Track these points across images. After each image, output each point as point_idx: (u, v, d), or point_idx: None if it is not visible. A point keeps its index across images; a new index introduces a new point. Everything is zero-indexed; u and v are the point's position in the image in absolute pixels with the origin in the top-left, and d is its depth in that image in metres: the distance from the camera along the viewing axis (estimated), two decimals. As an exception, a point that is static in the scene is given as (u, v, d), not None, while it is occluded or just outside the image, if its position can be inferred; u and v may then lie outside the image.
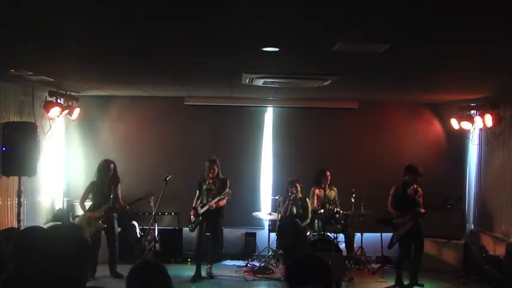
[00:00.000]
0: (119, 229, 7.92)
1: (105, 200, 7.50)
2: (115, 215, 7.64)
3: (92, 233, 7.34)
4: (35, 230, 1.98)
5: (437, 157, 9.17)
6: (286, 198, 8.13)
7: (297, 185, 8.15)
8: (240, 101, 9.11)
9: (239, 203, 8.93)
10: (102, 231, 7.55)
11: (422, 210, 7.33)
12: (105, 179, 7.57)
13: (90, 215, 7.44)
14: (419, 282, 7.38)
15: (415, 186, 7.42)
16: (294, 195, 8.05)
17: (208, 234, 7.75)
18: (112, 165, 7.66)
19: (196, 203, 7.74)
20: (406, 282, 7.41)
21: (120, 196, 7.66)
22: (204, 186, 7.69)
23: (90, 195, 7.67)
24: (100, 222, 7.41)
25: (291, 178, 8.29)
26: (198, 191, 7.79)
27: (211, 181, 7.65)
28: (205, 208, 7.54)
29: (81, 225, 7.41)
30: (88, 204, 7.72)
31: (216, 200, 7.50)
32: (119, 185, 7.68)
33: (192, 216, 7.70)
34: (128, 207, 7.64)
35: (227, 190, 7.57)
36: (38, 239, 1.87)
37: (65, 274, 1.81)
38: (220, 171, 7.69)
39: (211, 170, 7.60)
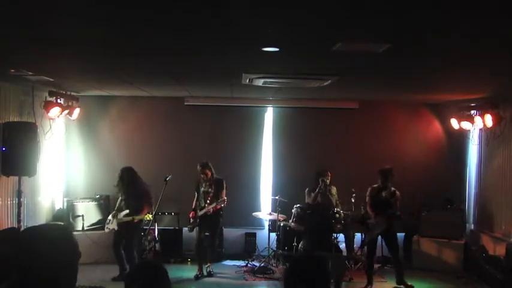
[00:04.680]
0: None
1: (125, 204, 7.49)
2: (139, 219, 7.46)
3: (109, 230, 7.49)
4: (35, 230, 1.97)
5: (438, 157, 9.18)
6: (317, 188, 7.94)
7: (328, 174, 8.06)
8: (240, 101, 9.12)
9: (239, 203, 8.93)
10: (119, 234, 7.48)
11: (398, 213, 7.23)
12: (121, 185, 7.51)
13: (113, 214, 7.52)
14: (408, 283, 7.25)
15: (392, 189, 7.35)
16: (324, 183, 7.92)
17: (207, 234, 7.77)
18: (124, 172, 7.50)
19: (196, 205, 7.81)
20: (409, 283, 7.38)
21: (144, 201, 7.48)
22: (201, 189, 7.75)
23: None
24: (116, 225, 7.43)
25: (321, 168, 8.15)
26: (196, 193, 7.85)
27: (207, 183, 7.69)
28: (204, 211, 7.61)
29: (109, 219, 7.58)
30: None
31: (212, 205, 7.54)
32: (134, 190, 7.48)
33: (191, 218, 7.78)
34: (135, 220, 7.45)
35: (223, 198, 7.56)
36: (38, 240, 1.85)
37: (55, 276, 1.80)
38: (214, 172, 7.69)
39: (204, 174, 7.63)
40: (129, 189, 7.48)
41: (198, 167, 7.64)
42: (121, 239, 7.43)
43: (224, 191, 7.67)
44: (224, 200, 7.57)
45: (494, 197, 8.24)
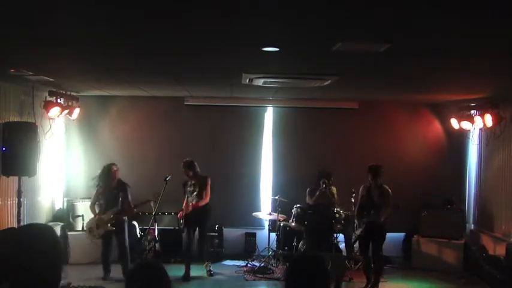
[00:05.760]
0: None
1: (112, 203, 7.41)
2: (125, 218, 7.51)
3: (100, 235, 7.40)
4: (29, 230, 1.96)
5: (438, 157, 9.18)
6: (318, 189, 7.90)
7: (331, 175, 8.01)
8: (240, 101, 9.12)
9: (239, 203, 8.94)
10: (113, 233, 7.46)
11: (383, 217, 7.09)
12: (108, 183, 7.48)
13: (98, 218, 7.43)
14: None
15: (382, 185, 7.24)
16: (325, 185, 7.88)
17: (196, 233, 7.80)
18: (114, 169, 7.51)
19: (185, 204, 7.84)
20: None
21: (129, 198, 7.51)
22: (187, 188, 7.77)
23: (101, 199, 7.56)
24: (109, 225, 7.36)
25: (322, 168, 8.10)
26: (184, 193, 7.88)
27: (193, 182, 7.71)
28: (184, 211, 7.69)
29: (91, 227, 7.47)
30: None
31: (191, 202, 7.63)
32: (128, 188, 7.52)
33: (180, 218, 7.86)
34: (135, 210, 7.60)
35: (206, 190, 7.62)
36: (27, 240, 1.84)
37: (38, 276, 1.79)
38: (198, 171, 7.68)
39: (187, 174, 7.67)
40: (111, 184, 7.47)
41: (182, 166, 7.65)
42: (113, 238, 7.45)
43: (208, 188, 7.64)
44: (205, 194, 7.56)
45: (494, 197, 8.24)
